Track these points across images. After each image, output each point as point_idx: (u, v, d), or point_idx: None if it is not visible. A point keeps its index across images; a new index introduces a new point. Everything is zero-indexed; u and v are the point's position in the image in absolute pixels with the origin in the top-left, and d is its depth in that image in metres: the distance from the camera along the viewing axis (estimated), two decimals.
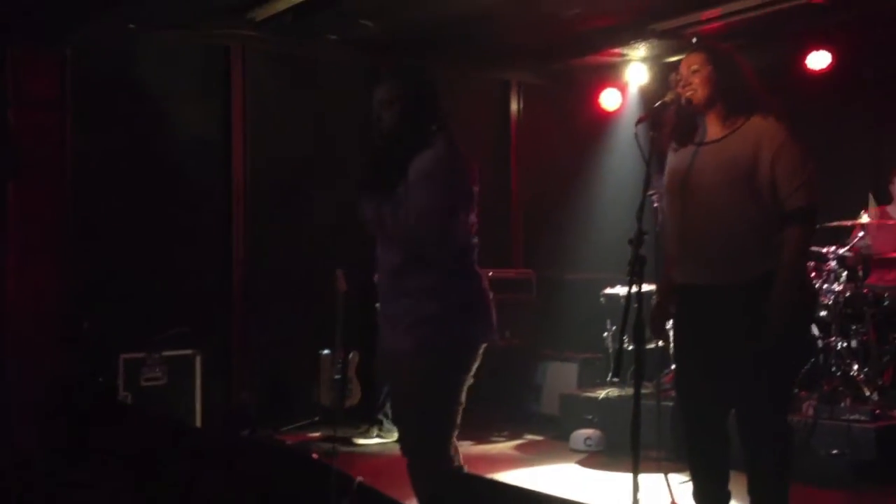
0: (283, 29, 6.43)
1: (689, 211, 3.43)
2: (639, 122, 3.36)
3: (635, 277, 3.18)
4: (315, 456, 3.74)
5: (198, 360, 5.95)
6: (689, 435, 3.53)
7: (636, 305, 3.02)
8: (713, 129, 3.45)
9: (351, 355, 6.51)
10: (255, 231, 6.71)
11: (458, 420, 3.23)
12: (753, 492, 3.41)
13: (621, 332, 3.28)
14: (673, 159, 3.57)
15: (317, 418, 6.50)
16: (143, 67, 6.30)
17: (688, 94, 3.41)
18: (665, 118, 3.40)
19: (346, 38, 6.84)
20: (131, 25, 6.18)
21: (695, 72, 3.41)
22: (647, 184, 3.28)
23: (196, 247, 6.51)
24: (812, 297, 3.81)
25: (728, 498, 3.50)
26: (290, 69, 6.95)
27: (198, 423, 5.87)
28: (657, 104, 3.40)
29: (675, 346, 3.80)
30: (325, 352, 6.57)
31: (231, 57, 6.64)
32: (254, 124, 6.71)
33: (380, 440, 6.04)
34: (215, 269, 6.62)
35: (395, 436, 5.99)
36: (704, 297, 3.40)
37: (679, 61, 3.52)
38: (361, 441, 6.02)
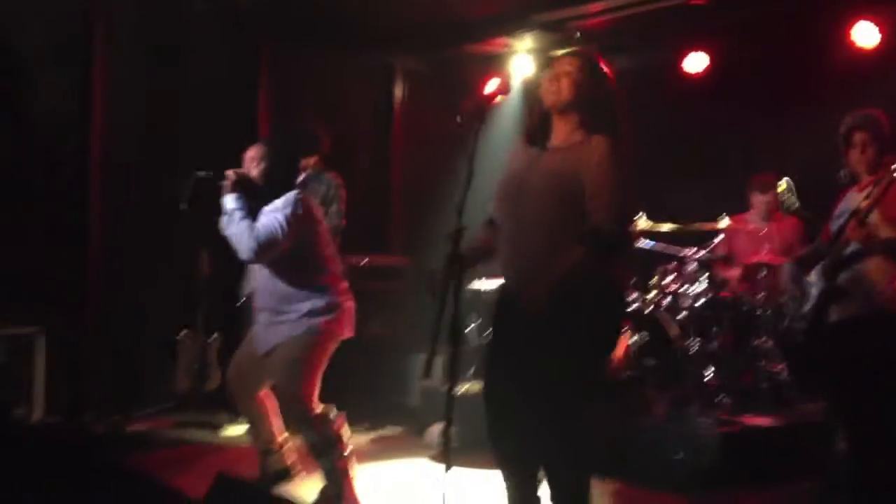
0: None
1: (518, 212, 3.34)
2: (463, 112, 3.22)
3: (453, 274, 3.09)
4: None
5: (42, 339, 5.65)
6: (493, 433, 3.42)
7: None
8: (559, 135, 3.37)
9: (212, 339, 6.31)
10: (113, 208, 6.40)
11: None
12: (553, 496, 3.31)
13: (436, 329, 3.13)
14: (514, 158, 3.48)
15: (172, 404, 6.27)
16: None
17: (551, 93, 3.32)
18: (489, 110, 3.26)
19: (218, 7, 6.58)
20: None
21: (566, 74, 3.32)
22: (470, 177, 3.16)
23: (47, 222, 6.17)
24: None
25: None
26: (157, 41, 6.60)
27: (39, 408, 5.58)
28: (483, 95, 3.28)
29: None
30: (185, 333, 6.35)
31: (93, 23, 6.30)
32: (115, 97, 6.38)
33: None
34: (68, 247, 6.29)
35: None
36: (517, 296, 3.31)
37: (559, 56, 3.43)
38: (233, 430, 5.80)
